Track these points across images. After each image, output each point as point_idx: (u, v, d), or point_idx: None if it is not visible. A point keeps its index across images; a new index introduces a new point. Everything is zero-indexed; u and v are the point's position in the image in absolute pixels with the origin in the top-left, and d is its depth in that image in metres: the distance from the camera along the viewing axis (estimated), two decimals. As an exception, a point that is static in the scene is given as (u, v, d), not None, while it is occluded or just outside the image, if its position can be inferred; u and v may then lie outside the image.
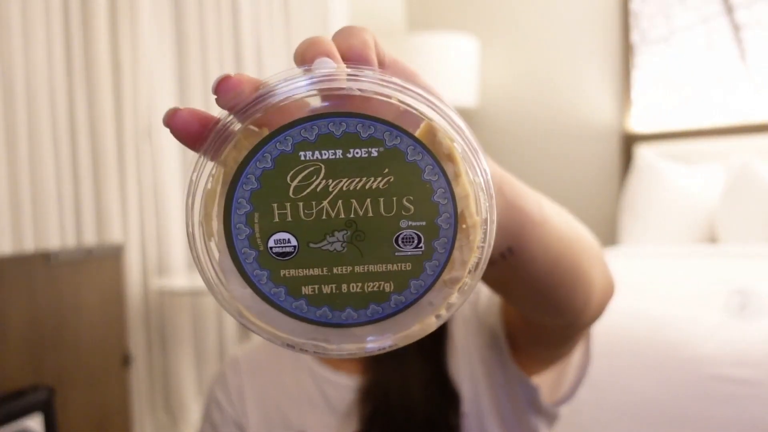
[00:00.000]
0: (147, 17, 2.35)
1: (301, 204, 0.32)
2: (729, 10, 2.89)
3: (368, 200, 0.32)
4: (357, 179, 0.32)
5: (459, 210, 0.32)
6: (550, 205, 0.51)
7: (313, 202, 0.32)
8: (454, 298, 0.33)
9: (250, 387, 0.83)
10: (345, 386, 0.77)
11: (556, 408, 0.75)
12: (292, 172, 0.32)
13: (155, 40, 2.40)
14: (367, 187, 0.32)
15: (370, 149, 0.31)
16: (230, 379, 0.84)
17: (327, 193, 0.32)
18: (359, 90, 0.31)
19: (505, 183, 0.46)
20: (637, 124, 3.12)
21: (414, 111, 0.32)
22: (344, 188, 0.32)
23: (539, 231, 0.48)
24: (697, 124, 2.97)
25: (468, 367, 0.74)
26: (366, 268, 0.32)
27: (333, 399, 0.77)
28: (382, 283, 0.33)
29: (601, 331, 1.48)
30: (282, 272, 0.33)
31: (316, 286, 0.33)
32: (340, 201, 0.32)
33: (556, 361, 0.69)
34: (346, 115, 0.31)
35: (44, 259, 1.49)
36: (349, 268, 0.32)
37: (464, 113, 3.53)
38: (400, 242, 0.32)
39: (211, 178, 0.33)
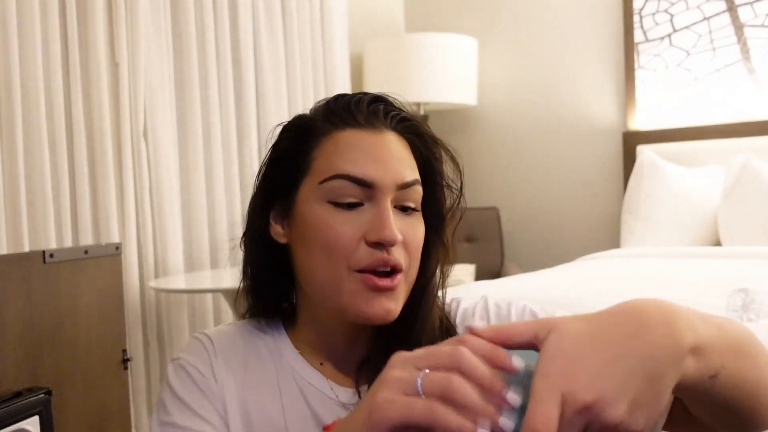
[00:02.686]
0: (145, 17, 2.34)
1: None
2: (731, 8, 2.88)
3: None
4: None
5: None
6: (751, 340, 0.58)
7: None
8: None
9: (223, 362, 0.74)
10: (336, 401, 0.73)
11: None
12: None
13: (153, 40, 2.39)
14: None
15: None
16: (204, 349, 0.75)
17: None
18: None
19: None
20: (639, 123, 3.11)
21: None
22: None
23: (743, 360, 0.55)
24: (699, 123, 2.96)
25: None
26: None
27: (321, 413, 0.72)
28: None
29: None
30: None
31: None
32: None
33: None
34: None
35: (41, 258, 1.48)
36: None
37: (464, 112, 3.52)
38: None
39: None
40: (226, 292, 2.27)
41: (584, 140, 3.26)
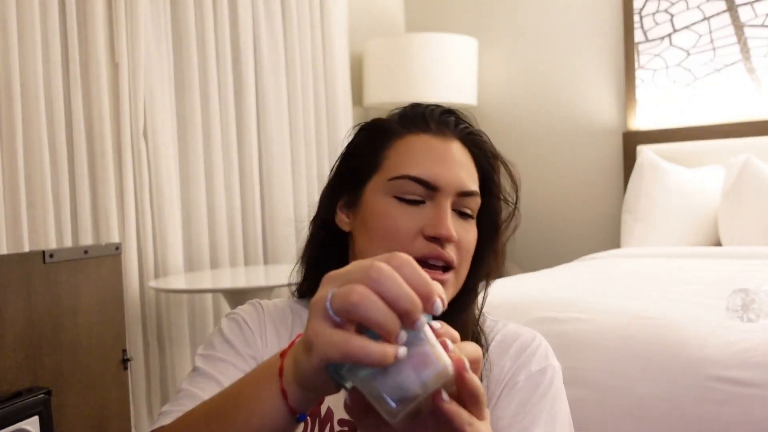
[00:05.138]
0: (145, 17, 2.34)
1: None
2: (731, 8, 2.88)
3: None
4: None
5: None
6: None
7: None
8: None
9: (272, 327, 0.82)
10: None
11: None
12: None
13: (153, 40, 2.39)
14: None
15: None
16: (256, 314, 0.83)
17: None
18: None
19: None
20: (639, 123, 3.11)
21: None
22: None
23: None
24: (699, 123, 2.96)
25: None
26: None
27: None
28: None
29: (602, 331, 1.48)
30: None
31: None
32: None
33: None
34: None
35: (41, 258, 1.48)
36: None
37: (464, 112, 3.51)
38: None
39: None
40: (226, 292, 2.27)
41: (584, 140, 3.26)
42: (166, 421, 0.67)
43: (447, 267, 0.75)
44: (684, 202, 2.70)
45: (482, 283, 0.83)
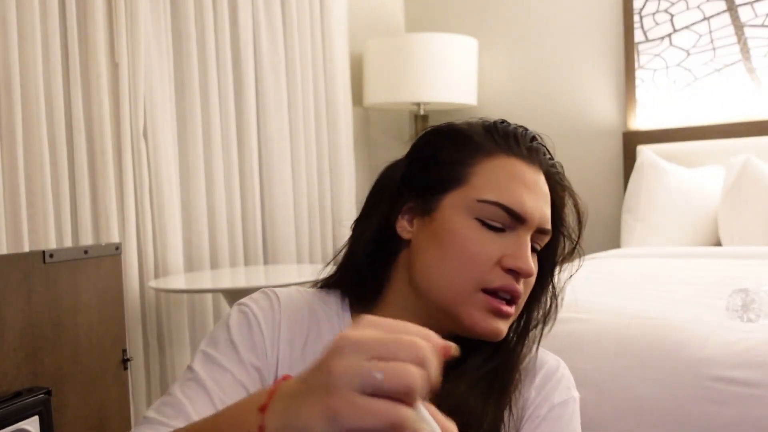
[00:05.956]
0: (145, 17, 2.34)
1: None
2: (731, 8, 2.88)
3: None
4: None
5: None
6: None
7: None
8: None
9: (287, 329, 0.76)
10: None
11: None
12: None
13: (153, 40, 2.39)
14: None
15: None
16: (271, 311, 0.78)
17: None
18: None
19: None
20: (639, 123, 3.11)
21: None
22: None
23: None
24: (699, 123, 2.96)
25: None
26: None
27: None
28: None
29: (602, 331, 1.48)
30: None
31: None
32: None
33: None
34: None
35: (41, 258, 1.48)
36: None
37: (464, 112, 3.52)
38: None
39: None
40: (226, 292, 2.27)
41: (584, 140, 3.26)
42: (146, 429, 0.66)
43: (511, 300, 0.73)
44: (684, 202, 2.70)
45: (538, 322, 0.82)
